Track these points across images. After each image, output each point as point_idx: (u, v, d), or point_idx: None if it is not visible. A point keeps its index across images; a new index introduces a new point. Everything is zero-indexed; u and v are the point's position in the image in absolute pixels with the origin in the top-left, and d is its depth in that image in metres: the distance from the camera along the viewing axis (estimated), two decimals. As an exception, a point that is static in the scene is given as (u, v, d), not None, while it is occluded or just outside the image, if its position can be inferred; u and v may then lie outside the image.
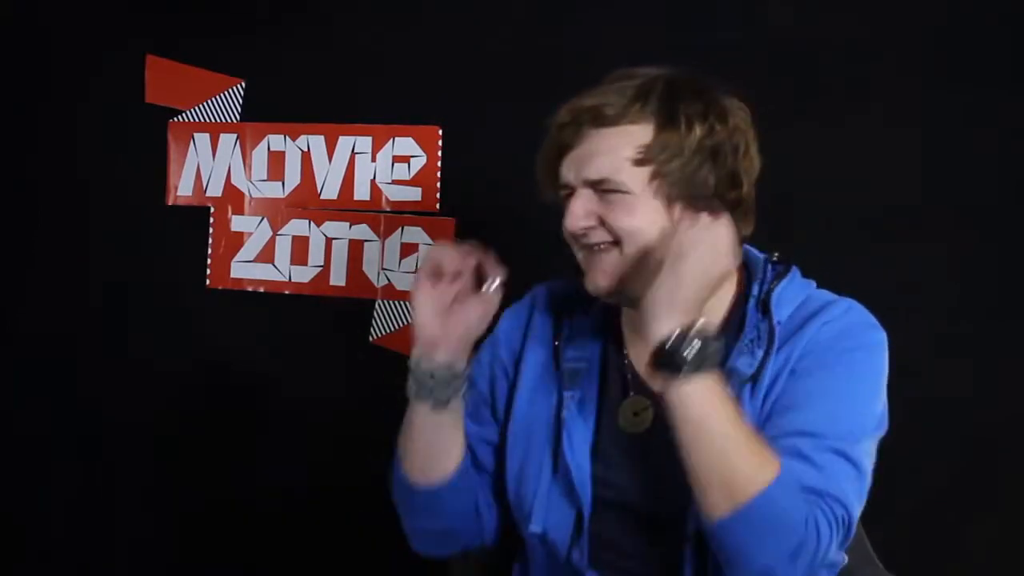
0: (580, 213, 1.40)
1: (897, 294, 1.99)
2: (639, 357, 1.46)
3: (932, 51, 1.99)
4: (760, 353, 1.40)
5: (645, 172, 1.39)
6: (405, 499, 1.55)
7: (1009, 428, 1.98)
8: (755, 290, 1.46)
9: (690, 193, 1.39)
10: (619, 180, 1.39)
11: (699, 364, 1.28)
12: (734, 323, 1.45)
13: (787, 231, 2.01)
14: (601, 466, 1.45)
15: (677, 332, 1.29)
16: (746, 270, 1.48)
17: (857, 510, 1.35)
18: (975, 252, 1.99)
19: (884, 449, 1.98)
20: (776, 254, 1.49)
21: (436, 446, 1.49)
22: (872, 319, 1.45)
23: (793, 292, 1.45)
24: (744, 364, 1.40)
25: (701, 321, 1.30)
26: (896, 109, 2.00)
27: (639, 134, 1.39)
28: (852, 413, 1.38)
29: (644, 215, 1.39)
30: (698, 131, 1.39)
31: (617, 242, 1.40)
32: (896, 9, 2.00)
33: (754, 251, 1.50)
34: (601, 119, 1.39)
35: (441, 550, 1.59)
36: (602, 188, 1.40)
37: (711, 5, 2.07)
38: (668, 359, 1.29)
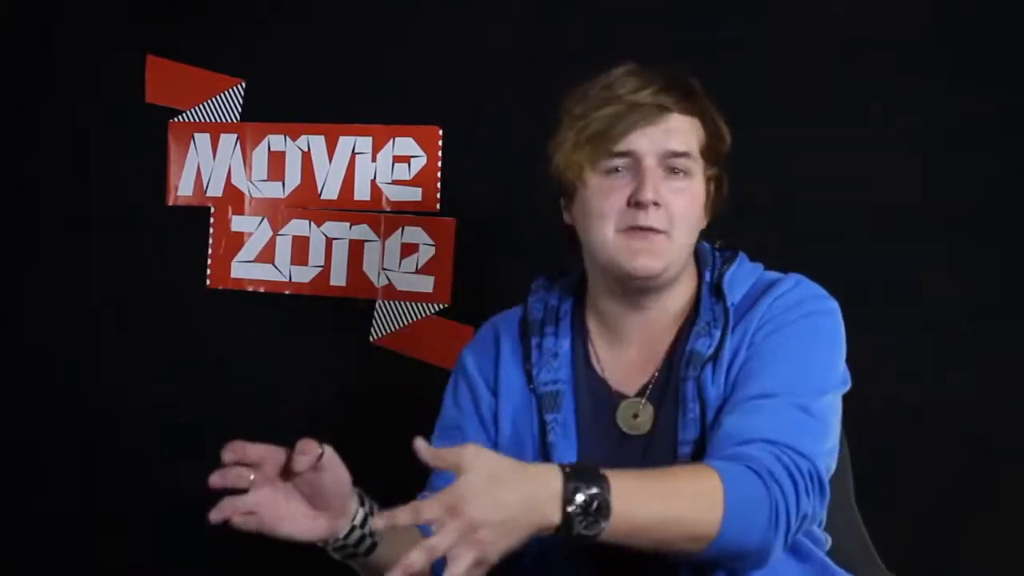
0: (656, 185, 1.43)
1: (897, 294, 1.99)
2: (617, 360, 1.51)
3: (932, 51, 1.99)
4: (717, 333, 1.44)
5: (702, 163, 1.48)
6: None
7: (1009, 428, 1.98)
8: (707, 276, 1.52)
9: (716, 197, 1.51)
10: (696, 158, 1.46)
11: (595, 512, 1.16)
12: (693, 310, 1.50)
13: (787, 231, 2.02)
14: None
15: (561, 518, 1.15)
16: (697, 260, 1.54)
17: (822, 462, 1.34)
18: (975, 252, 1.99)
19: (884, 449, 1.99)
20: (719, 242, 1.56)
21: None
22: (822, 291, 1.49)
23: (743, 275, 1.51)
24: (703, 345, 1.45)
25: (559, 485, 1.15)
26: (896, 109, 2.00)
27: (699, 127, 1.48)
28: (811, 370, 1.41)
29: (697, 204, 1.48)
30: (727, 139, 1.51)
31: (664, 231, 1.43)
32: (896, 9, 2.00)
33: (703, 243, 1.55)
34: (682, 106, 1.45)
35: None
36: (677, 165, 1.44)
37: (711, 5, 2.07)
38: (577, 532, 1.16)
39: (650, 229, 1.42)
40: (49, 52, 2.40)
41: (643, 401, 1.47)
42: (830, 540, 1.50)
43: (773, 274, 1.52)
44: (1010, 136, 1.97)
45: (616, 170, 1.44)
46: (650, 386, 1.49)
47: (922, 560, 1.92)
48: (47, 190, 2.42)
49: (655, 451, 1.44)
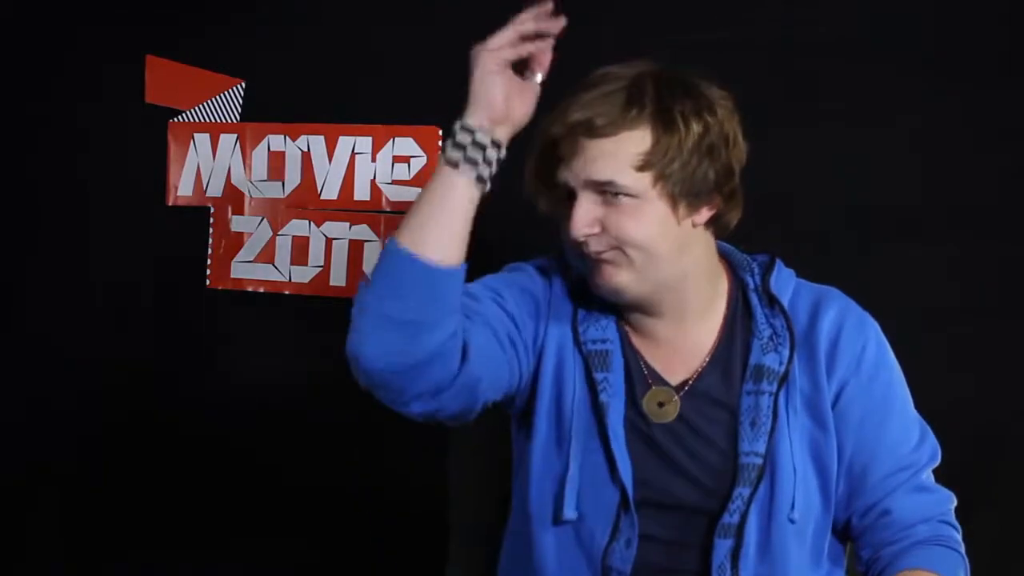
0: (585, 219, 1.40)
1: (897, 294, 1.99)
2: (648, 351, 1.49)
3: (931, 51, 1.99)
4: (785, 352, 1.45)
5: (648, 176, 1.39)
6: (389, 274, 1.36)
7: (1009, 428, 1.99)
8: (750, 282, 1.50)
9: (693, 191, 1.41)
10: (624, 184, 1.39)
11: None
12: (737, 313, 1.49)
13: (787, 231, 2.02)
14: (632, 454, 1.45)
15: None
16: (726, 261, 1.53)
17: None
18: (975, 252, 1.99)
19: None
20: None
21: (456, 226, 1.37)
22: (859, 308, 1.52)
23: (785, 280, 1.51)
24: (773, 361, 1.45)
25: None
26: (895, 109, 2.00)
27: (638, 140, 1.39)
28: (914, 418, 1.53)
29: (651, 219, 1.40)
30: (695, 129, 1.40)
31: (619, 249, 1.40)
32: (895, 9, 2.00)
33: (723, 244, 1.54)
34: (596, 131, 1.39)
35: (393, 358, 1.37)
36: (607, 191, 1.39)
37: (711, 5, 2.07)
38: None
39: (599, 259, 1.41)
40: (49, 52, 2.41)
41: (674, 394, 1.46)
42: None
43: (810, 284, 1.53)
44: (1010, 136, 1.97)
45: (568, 196, 1.42)
46: (691, 382, 1.47)
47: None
48: (47, 190, 2.42)
49: (673, 441, 1.45)
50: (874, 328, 1.51)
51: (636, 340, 1.50)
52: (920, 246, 2.00)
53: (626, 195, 1.39)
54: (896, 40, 2.00)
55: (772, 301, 1.48)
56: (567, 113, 1.41)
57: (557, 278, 1.53)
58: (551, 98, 1.44)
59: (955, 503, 1.51)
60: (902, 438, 1.49)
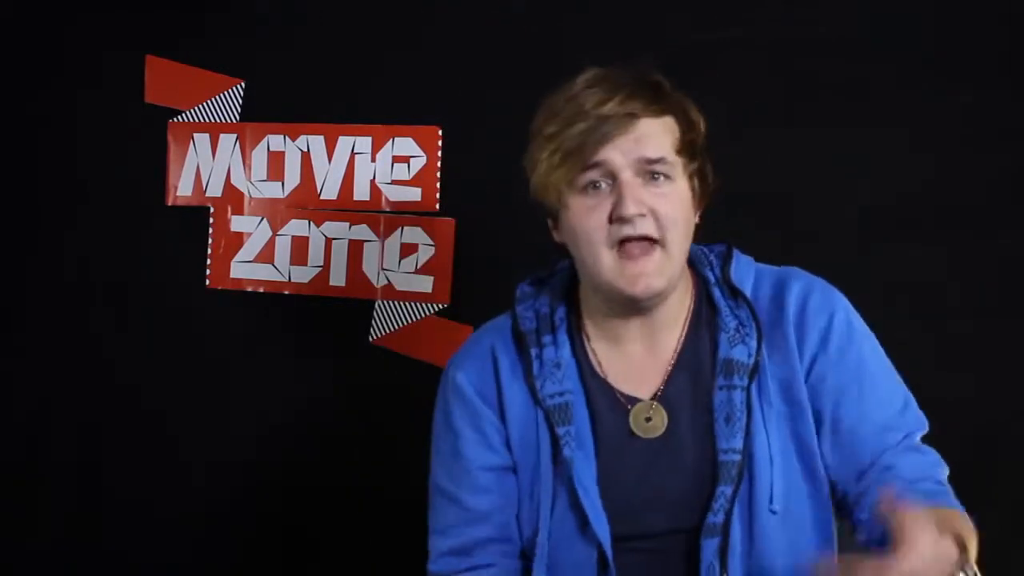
0: (636, 196, 1.40)
1: (897, 294, 1.99)
2: (620, 364, 1.50)
3: (931, 51, 1.99)
4: (753, 342, 1.45)
5: (681, 162, 1.44)
6: None
7: (1009, 428, 1.99)
8: (710, 275, 1.51)
9: (702, 185, 1.47)
10: (672, 160, 1.42)
11: None
12: (702, 310, 1.50)
13: (787, 231, 2.02)
14: (609, 500, 1.44)
15: None
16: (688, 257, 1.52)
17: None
18: (975, 252, 1.99)
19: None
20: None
21: None
22: (824, 282, 1.52)
23: (744, 269, 1.51)
24: (741, 354, 1.45)
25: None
26: (895, 109, 2.00)
27: (672, 125, 1.44)
28: (899, 382, 1.51)
29: (684, 203, 1.44)
30: (702, 129, 1.47)
31: (658, 240, 1.41)
32: (895, 9, 2.00)
33: None
34: (647, 110, 1.41)
35: None
36: (656, 171, 1.41)
37: (710, 5, 2.07)
38: None
39: (644, 238, 1.40)
40: (49, 52, 2.40)
41: (654, 404, 1.47)
42: None
43: (770, 268, 1.53)
44: (1010, 136, 1.97)
45: (595, 186, 1.41)
46: (662, 389, 1.48)
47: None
48: (47, 190, 2.42)
49: (669, 454, 1.45)
50: (840, 299, 1.50)
51: (603, 355, 1.50)
52: (920, 246, 2.00)
53: (666, 176, 1.41)
54: (896, 40, 2.00)
55: (735, 292, 1.48)
56: (606, 94, 1.40)
57: (500, 341, 1.52)
58: (544, 95, 1.45)
59: (947, 470, 1.50)
60: (886, 400, 1.48)
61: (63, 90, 2.40)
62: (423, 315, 2.22)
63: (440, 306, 2.21)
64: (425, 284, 2.22)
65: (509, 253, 2.16)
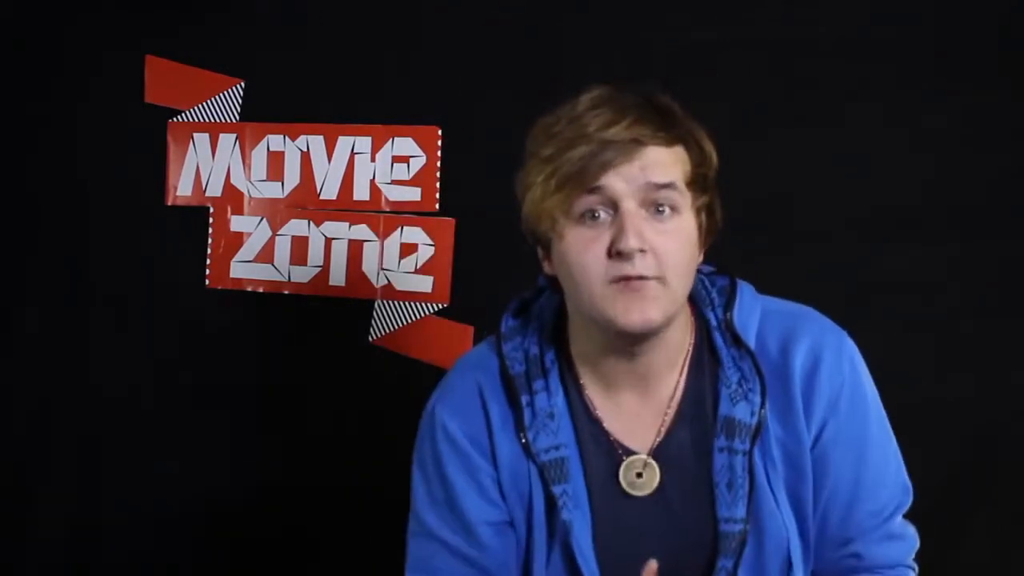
0: (637, 229, 1.27)
1: (897, 294, 1.99)
2: (616, 410, 1.39)
3: (931, 51, 1.99)
4: (756, 399, 1.34)
5: (690, 195, 1.31)
6: None
7: (1009, 428, 1.99)
8: (712, 318, 1.40)
9: (709, 222, 1.36)
10: (682, 190, 1.30)
11: None
12: (703, 355, 1.39)
13: (786, 231, 2.02)
14: (605, 559, 1.36)
15: None
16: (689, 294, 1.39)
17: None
18: (975, 252, 1.99)
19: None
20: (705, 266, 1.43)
21: None
22: (838, 328, 1.41)
23: (748, 310, 1.40)
24: (743, 412, 1.34)
25: None
26: (895, 109, 2.00)
27: (683, 156, 1.32)
28: (896, 462, 1.43)
29: (688, 240, 1.32)
30: (715, 162, 1.35)
31: (656, 277, 1.29)
32: (895, 9, 2.00)
33: None
34: (654, 138, 1.29)
35: None
36: (661, 200, 1.29)
37: (710, 5, 2.07)
38: None
39: (640, 278, 1.27)
40: (49, 52, 2.40)
41: (648, 460, 1.37)
42: None
43: (777, 308, 1.41)
44: (1010, 136, 1.97)
45: (594, 215, 1.29)
46: (659, 442, 1.38)
47: (922, 560, 1.91)
48: (47, 190, 2.42)
49: (661, 515, 1.37)
50: (850, 354, 1.39)
51: (598, 401, 1.40)
52: (920, 246, 2.00)
53: (673, 209, 1.29)
54: (896, 40, 2.00)
55: (737, 340, 1.36)
56: (611, 117, 1.28)
57: (488, 382, 1.41)
58: (553, 100, 1.44)
59: (918, 546, 1.45)
60: (878, 479, 1.40)
61: (63, 90, 2.40)
62: (423, 315, 2.22)
63: (440, 306, 2.21)
64: (425, 284, 2.22)
65: (509, 253, 2.14)
